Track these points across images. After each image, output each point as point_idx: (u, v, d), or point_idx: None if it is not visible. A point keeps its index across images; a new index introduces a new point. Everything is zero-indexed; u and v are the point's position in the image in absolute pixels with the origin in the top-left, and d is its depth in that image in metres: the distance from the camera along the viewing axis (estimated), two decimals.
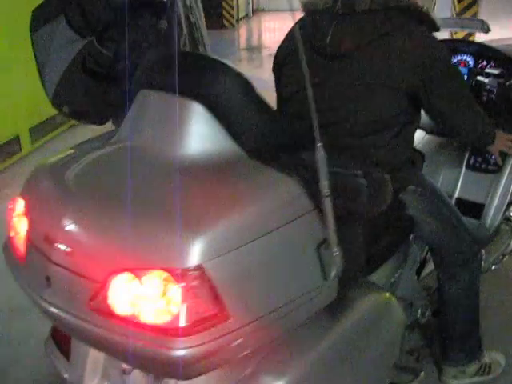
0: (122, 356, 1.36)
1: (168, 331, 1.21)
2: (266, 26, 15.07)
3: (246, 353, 1.36)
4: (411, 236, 2.19)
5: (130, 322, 1.25)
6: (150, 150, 1.50)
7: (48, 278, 1.38)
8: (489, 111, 2.11)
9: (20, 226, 1.55)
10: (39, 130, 5.80)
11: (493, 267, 2.81)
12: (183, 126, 1.45)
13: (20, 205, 1.57)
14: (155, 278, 1.21)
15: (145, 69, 1.67)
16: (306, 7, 1.98)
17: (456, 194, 2.64)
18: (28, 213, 1.53)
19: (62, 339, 1.87)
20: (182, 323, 1.20)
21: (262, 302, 1.34)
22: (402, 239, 2.14)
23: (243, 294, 1.29)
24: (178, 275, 1.19)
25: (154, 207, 1.32)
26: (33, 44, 2.27)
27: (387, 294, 1.80)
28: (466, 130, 2.08)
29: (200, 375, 1.32)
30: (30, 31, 2.30)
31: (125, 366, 1.63)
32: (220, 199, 1.34)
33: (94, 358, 1.73)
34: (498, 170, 2.57)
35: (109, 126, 2.10)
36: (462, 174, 2.65)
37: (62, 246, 1.35)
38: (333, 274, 1.42)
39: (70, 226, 1.36)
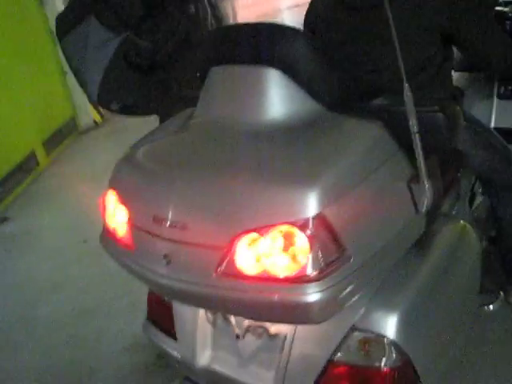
0: (255, 313, 1.44)
1: (300, 279, 1.30)
2: None
3: (362, 292, 1.45)
4: (460, 170, 2.28)
5: (262, 279, 1.34)
6: (236, 119, 1.58)
7: (166, 256, 1.46)
8: None
9: (119, 216, 1.62)
10: (51, 143, 5.85)
11: None
12: (265, 92, 1.54)
13: (113, 196, 1.65)
14: (280, 233, 1.29)
15: (207, 48, 1.73)
16: None
17: (492, 124, 2.72)
18: (126, 201, 1.61)
19: (162, 320, 1.96)
20: (312, 270, 1.29)
21: (374, 239, 1.44)
22: (456, 174, 2.23)
23: (359, 234, 1.38)
24: (302, 226, 1.28)
25: (262, 168, 1.40)
26: (64, 50, 2.32)
27: (464, 224, 1.89)
28: (498, 59, 2.14)
29: (329, 318, 1.40)
30: (58, 38, 2.35)
31: (237, 331, 1.72)
32: (319, 151, 1.42)
33: (203, 330, 1.83)
34: None
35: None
36: (494, 105, 2.71)
37: (176, 223, 1.43)
38: (424, 206, 1.51)
39: (183, 201, 1.44)
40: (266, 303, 1.34)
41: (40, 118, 5.61)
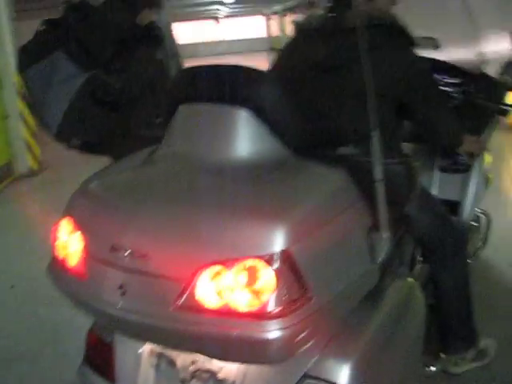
0: (213, 350, 1.39)
1: (261, 316, 1.28)
2: None
3: (317, 337, 1.45)
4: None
5: (222, 313, 1.31)
6: (201, 155, 1.59)
7: (121, 287, 1.41)
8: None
9: (73, 244, 1.56)
10: None
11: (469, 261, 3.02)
12: (232, 130, 1.56)
13: (68, 224, 1.59)
14: (245, 267, 1.28)
15: (175, 87, 1.76)
16: (298, 27, 2.15)
17: None
18: (83, 228, 1.56)
19: (100, 363, 1.86)
20: (274, 307, 1.28)
21: (335, 282, 1.45)
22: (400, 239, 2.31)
23: (321, 275, 1.39)
24: (269, 260, 1.28)
25: (229, 201, 1.40)
26: (26, 82, 2.30)
27: (412, 281, 1.95)
28: (445, 132, 2.30)
29: (285, 359, 1.38)
30: (19, 70, 2.33)
31: (183, 375, 1.65)
32: (285, 191, 1.45)
33: (145, 375, 1.74)
34: (467, 169, 2.81)
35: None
36: (435, 176, 2.86)
37: (136, 252, 1.39)
38: (381, 255, 1.55)
39: (144, 230, 1.41)
40: (225, 339, 1.31)
41: None
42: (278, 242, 1.29)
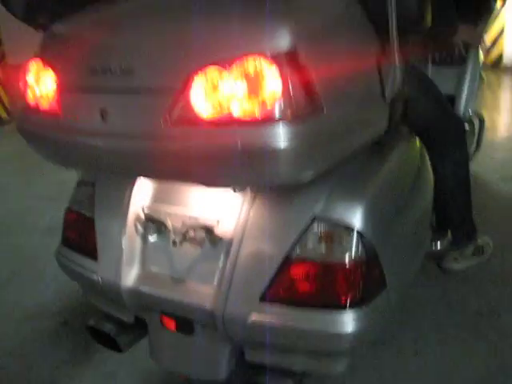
0: (214, 171, 1.21)
1: (267, 122, 1.11)
2: None
3: (330, 161, 1.29)
4: None
5: (222, 123, 1.14)
6: None
7: (103, 111, 1.25)
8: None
9: (44, 84, 1.38)
10: None
11: None
12: None
13: (37, 64, 1.42)
14: (247, 67, 1.10)
15: None
16: None
17: None
18: (55, 64, 1.38)
19: (80, 241, 1.69)
20: (282, 112, 1.10)
21: (344, 103, 1.29)
22: None
23: (331, 89, 1.22)
24: (274, 59, 1.10)
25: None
26: None
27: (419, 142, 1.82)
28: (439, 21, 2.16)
29: (297, 180, 1.23)
30: None
31: (174, 237, 1.49)
32: None
33: (131, 245, 1.59)
34: (462, 61, 2.67)
35: None
36: (429, 70, 2.72)
37: (120, 69, 1.21)
38: (391, 94, 1.41)
39: (128, 44, 1.23)
40: (228, 152, 1.13)
41: None
42: (284, 38, 1.12)
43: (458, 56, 2.68)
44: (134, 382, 2.03)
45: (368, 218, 1.36)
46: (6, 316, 2.52)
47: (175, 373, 1.84)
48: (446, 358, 2.00)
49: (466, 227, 2.45)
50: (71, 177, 1.98)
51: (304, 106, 1.13)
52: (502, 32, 7.00)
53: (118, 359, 2.13)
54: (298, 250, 1.35)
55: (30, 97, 1.44)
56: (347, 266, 1.32)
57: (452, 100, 2.68)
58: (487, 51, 6.85)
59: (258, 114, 1.11)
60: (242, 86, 1.11)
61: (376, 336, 1.48)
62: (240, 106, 1.12)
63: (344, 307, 1.32)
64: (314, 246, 1.35)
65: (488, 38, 6.67)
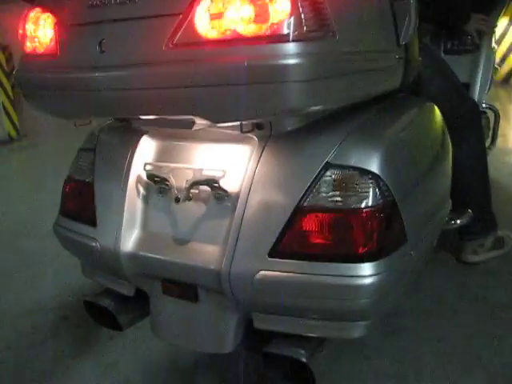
0: (213, 98, 1.11)
1: (273, 39, 1.03)
2: None
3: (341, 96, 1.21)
4: None
5: (228, 42, 1.06)
6: None
7: (101, 43, 1.18)
8: None
9: (43, 28, 1.34)
10: None
11: None
12: None
13: (35, 12, 1.36)
14: None
15: None
16: None
17: None
18: (54, 6, 1.33)
19: (79, 208, 1.60)
20: (289, 29, 1.02)
21: (356, 35, 1.21)
22: None
23: (346, 12, 1.15)
24: None
25: None
26: None
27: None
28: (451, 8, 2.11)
29: (308, 106, 1.14)
30: None
31: (177, 193, 1.40)
32: None
33: (131, 207, 1.50)
34: (475, 49, 2.60)
35: None
36: None
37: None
38: (405, 31, 1.33)
39: None
40: (234, 73, 1.05)
41: None
42: None
43: (471, 44, 2.62)
44: (135, 372, 1.92)
45: (386, 163, 1.26)
46: (5, 311, 2.44)
47: (179, 346, 1.72)
48: (469, 347, 1.87)
49: (485, 217, 2.35)
50: None
51: (315, 27, 1.06)
52: (511, 48, 6.98)
53: (119, 350, 2.04)
54: (309, 199, 1.25)
55: (29, 45, 1.38)
56: (364, 214, 1.21)
57: (466, 88, 2.61)
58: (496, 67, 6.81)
59: (265, 31, 1.03)
60: (249, 8, 1.03)
61: (396, 297, 1.36)
62: (243, 21, 1.04)
63: (361, 259, 1.20)
64: (327, 194, 1.24)
65: (497, 54, 6.65)
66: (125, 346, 2.07)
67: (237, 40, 1.05)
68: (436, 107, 1.73)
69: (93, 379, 1.90)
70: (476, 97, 2.61)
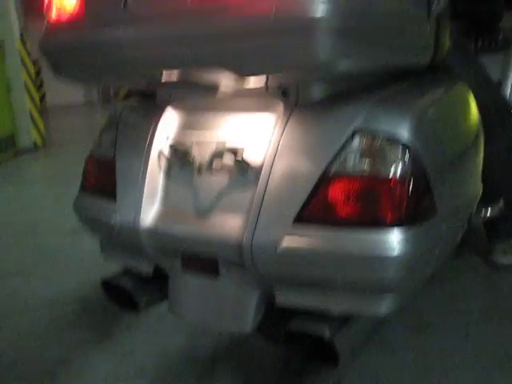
0: (239, 50, 1.07)
1: None
2: None
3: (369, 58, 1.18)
4: None
5: None
6: None
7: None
8: None
9: None
10: None
11: None
12: None
13: None
14: None
15: None
16: None
17: None
18: None
19: (100, 184, 1.58)
20: None
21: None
22: None
23: None
24: None
25: None
26: None
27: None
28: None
29: (333, 58, 1.08)
30: None
31: (199, 164, 1.36)
32: None
33: (152, 181, 1.47)
34: (507, 46, 2.55)
35: None
36: None
37: None
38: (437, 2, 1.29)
39: None
40: (260, 24, 1.01)
41: None
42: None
43: (502, 42, 2.58)
44: (153, 361, 1.87)
45: (417, 132, 1.21)
46: (24, 303, 2.41)
47: (197, 325, 1.66)
48: (499, 344, 1.78)
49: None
50: None
51: None
52: None
53: (136, 340, 2.01)
54: (337, 166, 1.20)
55: (55, 12, 1.36)
56: (393, 181, 1.16)
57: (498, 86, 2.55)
58: None
59: None
60: None
61: (425, 272, 1.29)
62: None
63: (390, 227, 1.14)
64: (354, 161, 1.19)
65: None
66: (142, 336, 2.02)
67: None
68: (468, 88, 1.66)
69: (110, 367, 1.85)
70: (508, 94, 2.54)
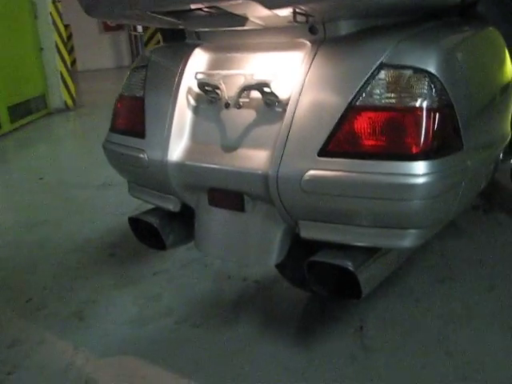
0: None
1: None
2: None
3: None
4: None
5: None
6: None
7: None
8: None
9: None
10: (17, 111, 5.49)
11: None
12: None
13: None
14: None
15: None
16: None
17: None
18: None
19: (129, 122, 1.60)
20: None
21: None
22: None
23: None
24: None
25: None
26: None
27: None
28: None
29: None
30: None
31: (227, 99, 1.36)
32: None
33: (181, 118, 1.49)
34: None
35: None
36: None
37: None
38: None
39: None
40: None
41: (8, 83, 5.31)
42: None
43: None
44: (177, 304, 1.90)
45: (444, 65, 1.19)
46: (54, 248, 2.48)
47: (224, 259, 1.67)
48: None
49: None
50: None
51: None
52: None
53: (163, 284, 2.05)
54: (363, 98, 1.19)
55: None
56: (418, 113, 1.15)
57: None
58: None
59: None
60: None
61: (450, 208, 1.28)
62: None
63: (414, 157, 1.14)
64: (381, 93, 1.18)
65: None
66: (169, 281, 2.06)
67: None
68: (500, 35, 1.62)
69: (135, 309, 1.90)
70: None
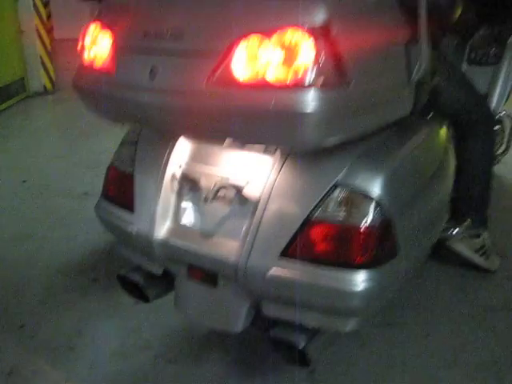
0: (248, 128, 1.34)
1: (298, 87, 1.23)
2: None
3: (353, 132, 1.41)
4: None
5: (257, 86, 1.27)
6: None
7: (153, 69, 1.39)
8: None
9: (101, 43, 1.53)
10: None
11: None
12: None
13: (96, 27, 1.57)
14: (286, 37, 1.22)
15: None
16: None
17: None
18: (113, 24, 1.53)
19: (119, 194, 1.83)
20: (311, 79, 1.22)
21: (371, 75, 1.41)
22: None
23: (360, 64, 1.34)
24: (310, 32, 1.22)
25: None
26: None
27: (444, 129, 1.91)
28: None
29: (323, 143, 1.36)
30: None
31: (206, 193, 1.61)
32: None
33: (165, 200, 1.72)
34: (497, 61, 2.72)
35: None
36: (464, 69, 2.78)
37: (173, 32, 1.36)
38: (417, 74, 1.50)
39: (180, 10, 1.36)
40: (261, 112, 1.26)
41: None
42: (319, 12, 1.24)
43: (493, 55, 2.74)
44: (156, 336, 2.15)
45: (387, 188, 1.46)
46: (41, 268, 2.68)
47: (197, 322, 1.94)
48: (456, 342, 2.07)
49: (479, 211, 2.35)
50: (108, 147, 2.18)
51: (333, 76, 1.26)
52: None
53: (142, 316, 2.26)
54: (318, 212, 1.46)
55: (87, 57, 1.59)
56: (362, 230, 1.43)
57: (485, 98, 2.73)
58: None
59: (289, 80, 1.24)
60: (278, 54, 1.24)
61: (384, 299, 1.58)
62: (275, 72, 1.25)
63: (357, 267, 1.42)
64: (333, 210, 1.46)
65: None
66: (148, 313, 2.29)
67: (265, 85, 1.26)
68: (442, 126, 1.90)
69: (117, 341, 2.14)
70: (493, 106, 2.73)
